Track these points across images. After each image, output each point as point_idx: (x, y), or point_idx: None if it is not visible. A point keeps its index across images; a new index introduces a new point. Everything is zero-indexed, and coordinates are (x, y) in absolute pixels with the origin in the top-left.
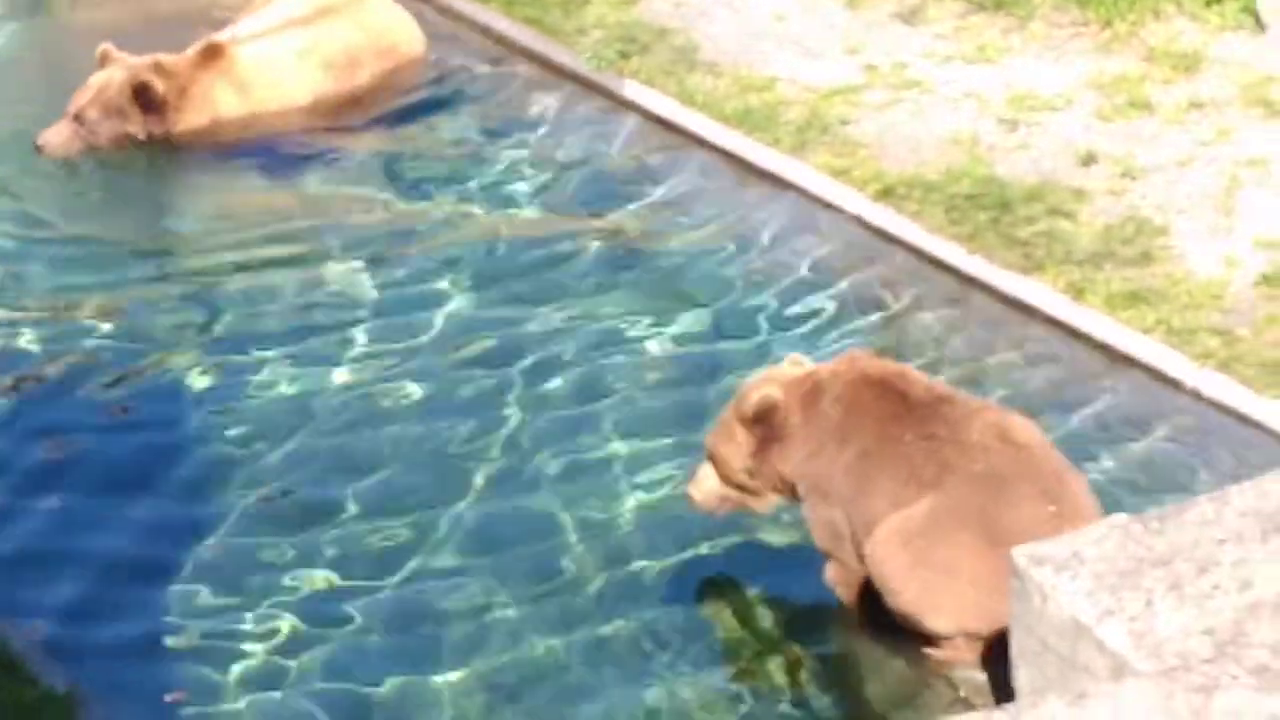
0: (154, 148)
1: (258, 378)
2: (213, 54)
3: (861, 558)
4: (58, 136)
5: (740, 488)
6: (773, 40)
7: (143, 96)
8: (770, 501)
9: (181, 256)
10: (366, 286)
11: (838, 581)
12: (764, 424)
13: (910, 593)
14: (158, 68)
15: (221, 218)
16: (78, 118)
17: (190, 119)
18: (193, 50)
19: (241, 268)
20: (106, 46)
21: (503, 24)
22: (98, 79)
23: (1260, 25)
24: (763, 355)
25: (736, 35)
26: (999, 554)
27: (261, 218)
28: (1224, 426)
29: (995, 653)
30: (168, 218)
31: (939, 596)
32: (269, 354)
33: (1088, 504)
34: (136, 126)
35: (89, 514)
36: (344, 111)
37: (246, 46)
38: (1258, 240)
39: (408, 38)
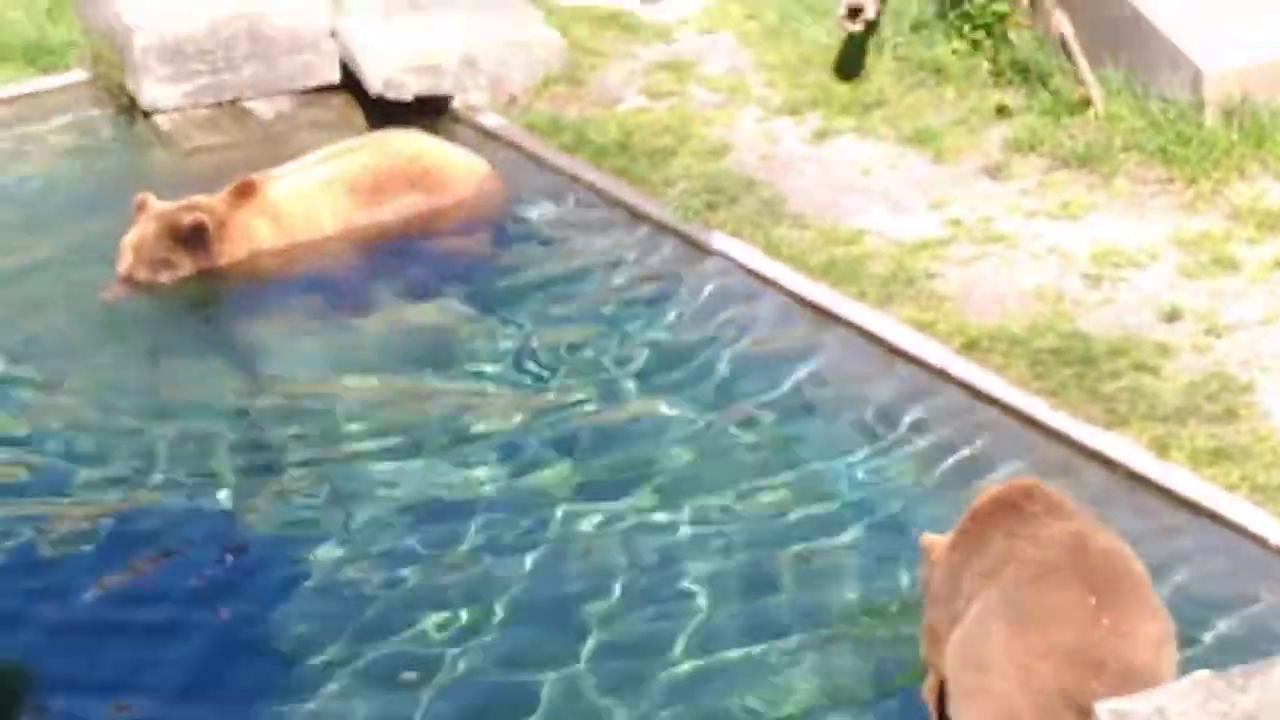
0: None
1: None
2: (246, 190)
3: None
4: (114, 295)
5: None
6: (859, 194)
7: (194, 237)
8: None
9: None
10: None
11: (928, 691)
12: None
13: (952, 698)
14: (196, 207)
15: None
16: (129, 280)
17: (231, 252)
18: (226, 189)
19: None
20: (146, 196)
21: (591, 174)
22: (130, 241)
23: None
24: (856, 512)
25: (823, 189)
26: (1027, 640)
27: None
28: None
29: None
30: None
31: (971, 698)
32: None
33: (1144, 617)
34: (186, 267)
35: None
36: (381, 244)
37: (277, 181)
38: None
39: (449, 171)
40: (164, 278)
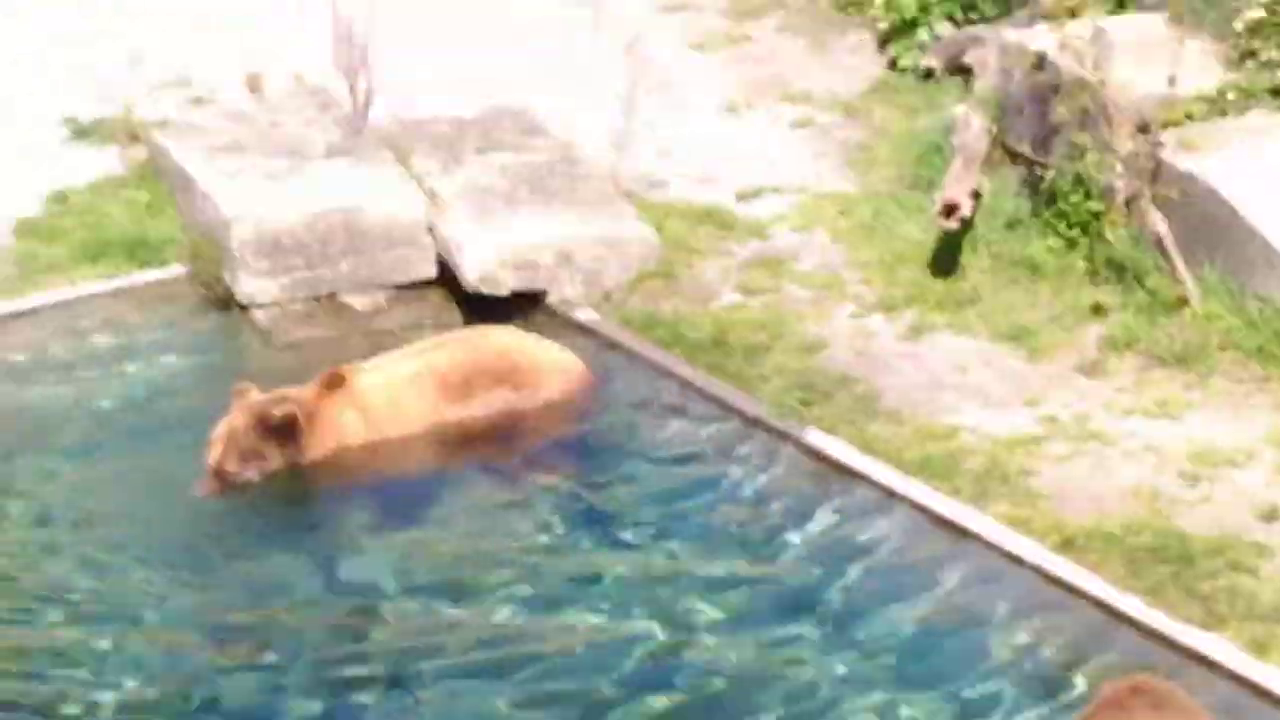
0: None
1: None
2: (335, 382)
3: None
4: (204, 491)
5: None
6: (954, 390)
7: (285, 429)
8: None
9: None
10: None
11: None
12: None
13: None
14: (285, 400)
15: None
16: (219, 474)
17: (319, 446)
18: (315, 380)
19: None
20: (248, 385)
21: (685, 370)
22: (221, 432)
23: None
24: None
25: (918, 385)
26: None
27: None
28: None
29: None
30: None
31: None
32: None
33: None
34: (276, 461)
35: None
36: (469, 442)
37: (366, 374)
38: None
39: (539, 367)
40: (252, 472)
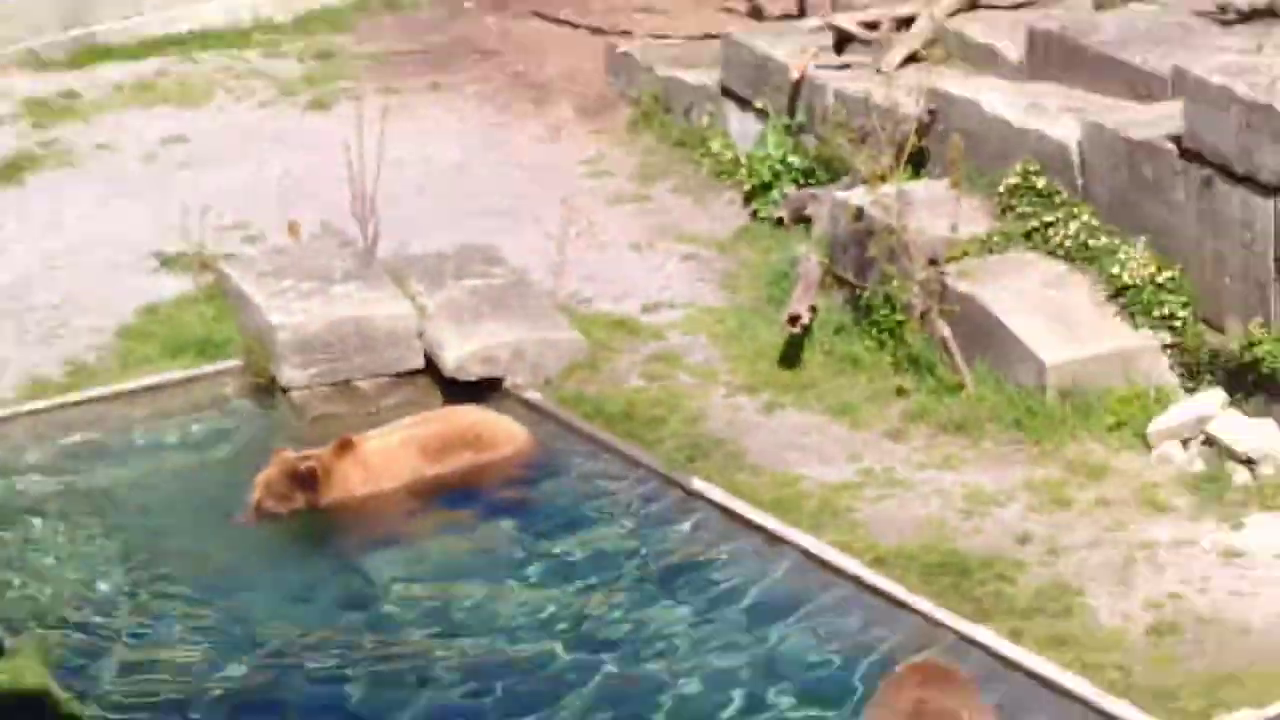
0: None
1: None
2: (345, 446)
3: None
4: (245, 520)
5: None
6: (798, 450)
7: (308, 479)
8: None
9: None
10: None
11: None
12: None
13: None
14: (309, 458)
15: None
16: (259, 509)
17: (332, 494)
18: (332, 445)
19: None
20: (284, 449)
21: (603, 435)
22: (260, 479)
23: (1148, 446)
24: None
25: (771, 446)
26: None
27: None
28: None
29: None
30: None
31: None
32: None
33: None
34: (300, 502)
35: None
36: (443, 491)
37: (369, 440)
38: (1146, 601)
39: (495, 434)
40: (283, 509)
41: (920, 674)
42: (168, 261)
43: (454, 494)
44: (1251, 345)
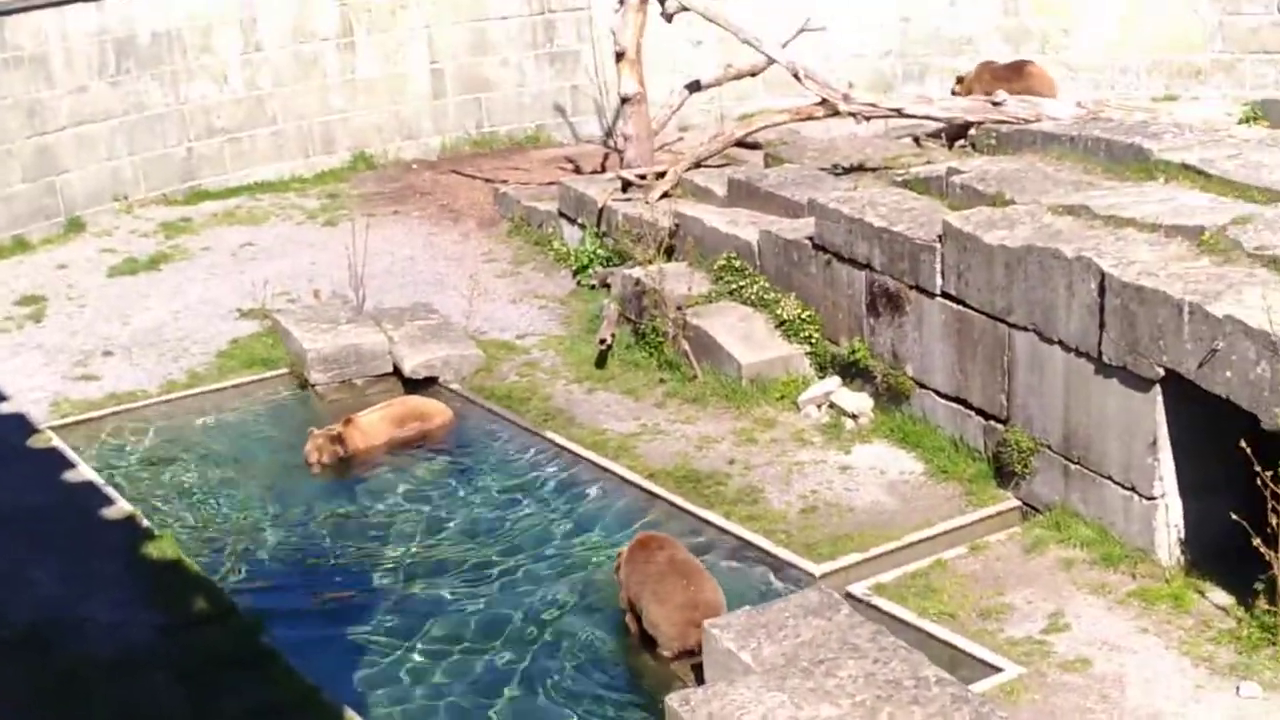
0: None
1: None
2: (350, 421)
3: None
4: (311, 464)
5: None
6: (605, 414)
7: (339, 440)
8: None
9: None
10: None
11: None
12: None
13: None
14: (337, 429)
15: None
16: (317, 460)
17: (351, 447)
18: (342, 420)
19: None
20: (312, 429)
21: (495, 408)
22: (310, 445)
23: (799, 409)
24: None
25: (590, 413)
26: (668, 598)
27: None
28: None
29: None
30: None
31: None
32: None
33: (710, 589)
34: (330, 455)
35: None
36: (406, 445)
37: (362, 416)
38: (799, 495)
39: (431, 410)
40: (327, 458)
41: (655, 540)
42: (244, 314)
43: (410, 446)
44: (853, 352)
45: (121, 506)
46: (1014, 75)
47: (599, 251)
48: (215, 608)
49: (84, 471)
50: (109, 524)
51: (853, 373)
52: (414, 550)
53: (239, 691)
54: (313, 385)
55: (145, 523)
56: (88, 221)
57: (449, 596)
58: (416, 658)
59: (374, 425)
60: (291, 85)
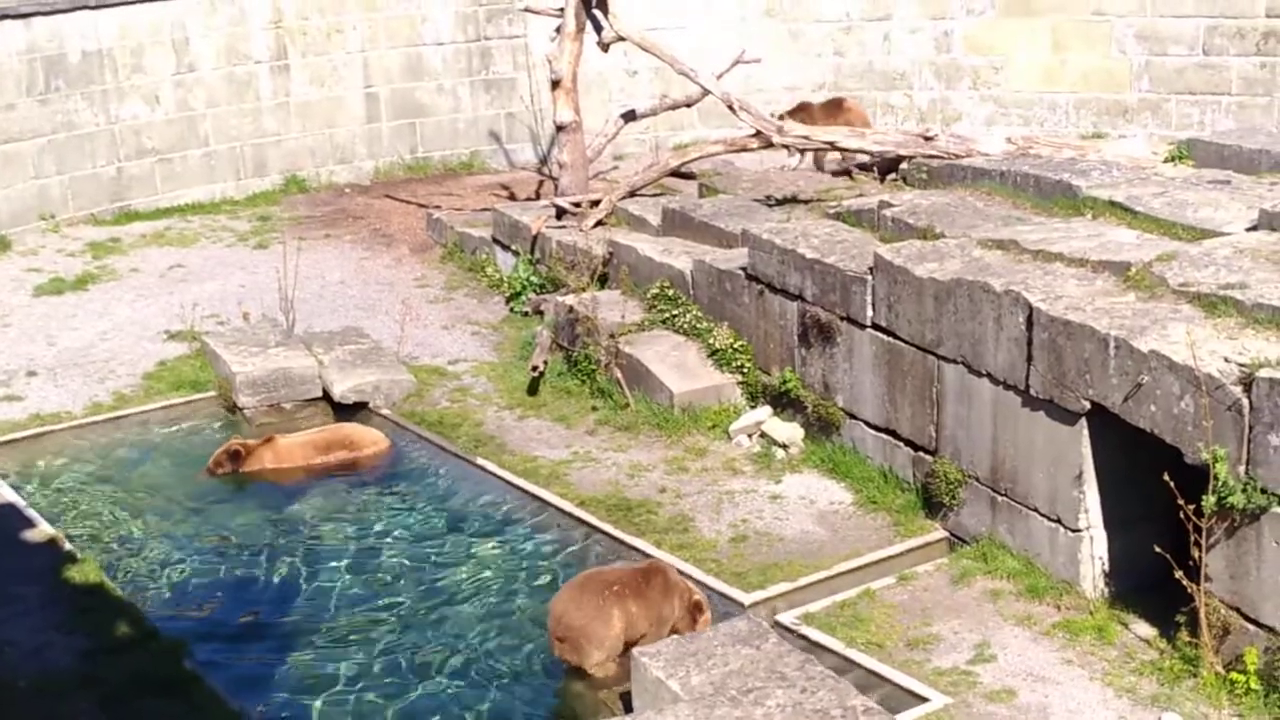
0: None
1: None
2: (268, 441)
3: None
4: (201, 476)
5: None
6: (537, 442)
7: (237, 456)
8: None
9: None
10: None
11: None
12: None
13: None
14: (241, 444)
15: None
16: (211, 469)
17: (253, 466)
18: (261, 439)
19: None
20: (235, 439)
21: (427, 434)
22: (215, 456)
23: (730, 438)
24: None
25: (522, 440)
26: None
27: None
28: None
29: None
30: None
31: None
32: None
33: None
34: (229, 468)
35: None
36: (330, 471)
37: (281, 439)
38: (729, 524)
39: (363, 439)
40: (221, 471)
41: (594, 574)
42: (172, 336)
43: (339, 473)
44: (785, 382)
45: (43, 529)
46: (833, 112)
47: (532, 278)
48: (138, 632)
49: (4, 493)
50: (30, 547)
51: (784, 402)
52: (341, 575)
53: (162, 716)
54: (241, 409)
55: (67, 546)
56: (13, 240)
57: (376, 621)
58: (340, 686)
59: (291, 449)
60: (224, 106)
